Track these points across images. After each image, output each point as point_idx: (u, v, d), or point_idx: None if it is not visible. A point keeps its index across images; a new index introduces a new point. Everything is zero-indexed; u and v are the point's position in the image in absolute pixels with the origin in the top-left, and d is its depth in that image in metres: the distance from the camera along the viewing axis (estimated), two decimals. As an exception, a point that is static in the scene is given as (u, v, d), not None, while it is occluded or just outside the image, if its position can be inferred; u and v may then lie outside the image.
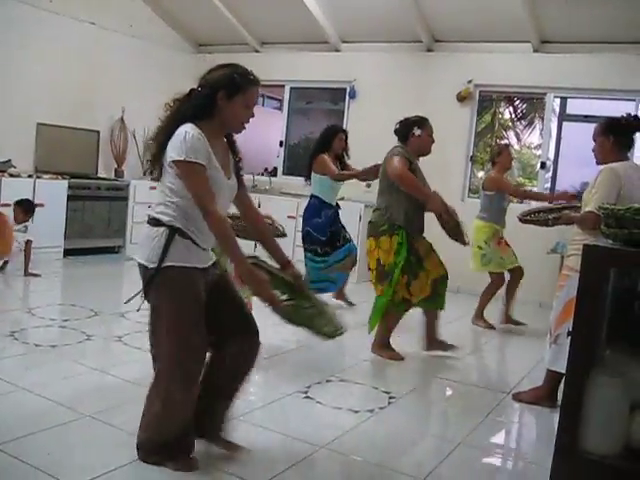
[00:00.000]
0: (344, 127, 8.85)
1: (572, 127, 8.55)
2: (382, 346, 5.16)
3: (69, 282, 6.90)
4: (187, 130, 2.71)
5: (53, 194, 7.94)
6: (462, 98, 8.61)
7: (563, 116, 8.54)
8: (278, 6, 9.04)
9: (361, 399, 4.23)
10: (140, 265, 2.84)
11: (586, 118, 8.15)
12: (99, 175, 9.19)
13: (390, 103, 8.95)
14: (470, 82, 8.57)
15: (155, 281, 2.78)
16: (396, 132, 5.21)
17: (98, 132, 9.23)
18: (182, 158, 2.67)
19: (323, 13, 9.01)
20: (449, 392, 4.72)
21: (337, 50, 9.53)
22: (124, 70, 9.46)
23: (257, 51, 10.18)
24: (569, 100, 8.46)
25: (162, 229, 2.78)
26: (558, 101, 8.57)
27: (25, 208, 7.13)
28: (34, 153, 8.38)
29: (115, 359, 4.64)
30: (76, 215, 8.25)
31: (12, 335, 4.83)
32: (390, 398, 4.24)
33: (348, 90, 9.48)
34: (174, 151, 2.70)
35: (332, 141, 6.52)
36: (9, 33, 7.95)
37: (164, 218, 2.79)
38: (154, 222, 2.82)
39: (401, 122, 5.21)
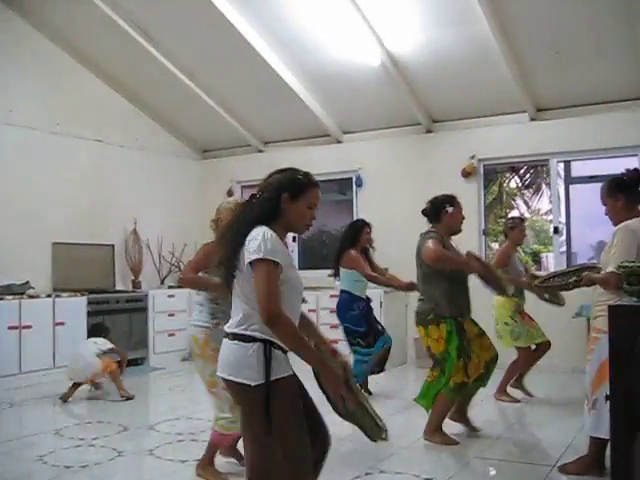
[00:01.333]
0: (354, 216, 8.99)
1: (579, 189, 8.59)
2: (436, 432, 5.03)
3: (95, 398, 6.84)
4: (264, 230, 2.69)
5: (73, 311, 7.99)
6: (467, 174, 8.71)
7: (569, 179, 8.59)
8: (277, 105, 9.30)
9: (403, 489, 4.10)
10: (239, 385, 2.68)
11: (591, 178, 8.20)
12: (117, 288, 9.27)
13: (397, 187, 9.10)
14: (473, 157, 8.70)
15: (267, 397, 2.64)
16: (425, 212, 5.17)
17: (113, 246, 9.36)
18: (261, 256, 2.62)
19: (322, 107, 9.25)
20: (492, 472, 4.56)
21: (339, 141, 9.73)
22: (133, 182, 9.69)
23: (260, 151, 10.40)
24: (573, 163, 8.53)
25: (256, 344, 2.67)
26: (562, 165, 8.65)
27: (95, 334, 7.24)
28: (51, 272, 8.49)
29: (149, 474, 4.55)
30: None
31: (41, 459, 4.75)
32: (432, 485, 4.11)
33: (354, 179, 9.61)
34: (253, 251, 2.64)
35: (359, 235, 6.61)
36: (19, 158, 8.23)
37: (255, 334, 2.69)
38: (243, 338, 2.71)
39: (431, 201, 5.19)
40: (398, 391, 7.01)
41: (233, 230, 2.81)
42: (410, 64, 8.07)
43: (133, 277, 9.55)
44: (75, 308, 8.07)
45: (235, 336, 2.73)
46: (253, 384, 2.64)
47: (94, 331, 7.35)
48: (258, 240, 2.65)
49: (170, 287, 9.90)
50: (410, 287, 6.00)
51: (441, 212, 5.07)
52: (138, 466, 4.78)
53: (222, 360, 2.79)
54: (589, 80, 7.75)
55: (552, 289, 5.21)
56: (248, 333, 2.70)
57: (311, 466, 2.74)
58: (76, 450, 5.03)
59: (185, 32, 8.21)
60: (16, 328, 7.41)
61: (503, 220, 9.08)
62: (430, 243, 4.87)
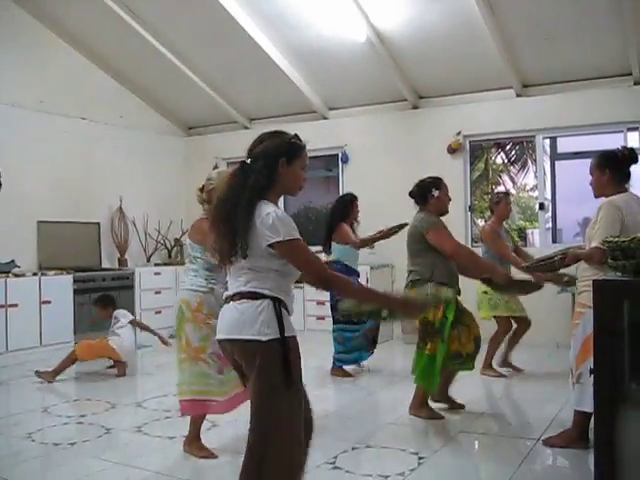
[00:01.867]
0: (340, 192, 8.99)
1: (565, 165, 8.63)
2: (422, 407, 5.07)
3: (83, 377, 6.84)
4: (270, 210, 2.68)
5: (59, 290, 7.98)
6: (453, 150, 8.72)
7: (555, 155, 8.62)
8: (263, 82, 9.25)
9: (390, 463, 4.13)
10: (247, 341, 2.66)
11: (577, 155, 8.24)
12: (103, 266, 9.24)
13: (383, 163, 9.09)
14: (459, 134, 8.70)
15: (284, 350, 2.64)
16: (412, 194, 5.18)
17: (98, 224, 9.32)
18: (282, 238, 2.63)
19: (307, 84, 9.20)
20: (478, 446, 4.62)
21: (325, 118, 9.69)
22: (118, 160, 9.63)
23: (247, 127, 10.35)
24: (559, 139, 8.55)
25: (266, 301, 2.67)
26: (548, 141, 8.67)
27: (103, 304, 7.26)
28: (37, 251, 8.46)
29: (137, 450, 4.56)
30: (84, 308, 8.25)
31: (29, 437, 4.76)
32: (419, 459, 4.15)
33: (340, 155, 9.60)
34: (271, 234, 2.63)
35: (350, 209, 6.64)
36: (2, 136, 8.14)
37: (265, 291, 2.68)
38: (253, 295, 2.69)
39: (417, 185, 5.20)
40: (384, 367, 7.06)
41: (232, 203, 2.73)
42: (396, 40, 8.03)
43: (119, 255, 9.52)
44: (61, 286, 8.05)
45: (242, 295, 2.71)
46: (265, 339, 2.62)
47: (106, 302, 7.33)
48: (271, 221, 2.64)
49: (156, 264, 9.89)
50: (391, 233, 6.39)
51: (427, 196, 5.09)
52: (126, 443, 4.78)
53: (225, 322, 2.76)
54: (575, 56, 7.75)
55: (539, 270, 5.25)
56: (257, 290, 2.68)
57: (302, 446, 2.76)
58: (64, 428, 5.04)
59: (170, 9, 8.12)
60: (2, 307, 7.38)
61: (489, 196, 9.08)
62: (444, 237, 4.94)
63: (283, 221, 2.65)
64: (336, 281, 2.76)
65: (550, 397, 5.60)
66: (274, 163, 2.76)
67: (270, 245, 2.63)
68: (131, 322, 7.08)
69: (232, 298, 2.75)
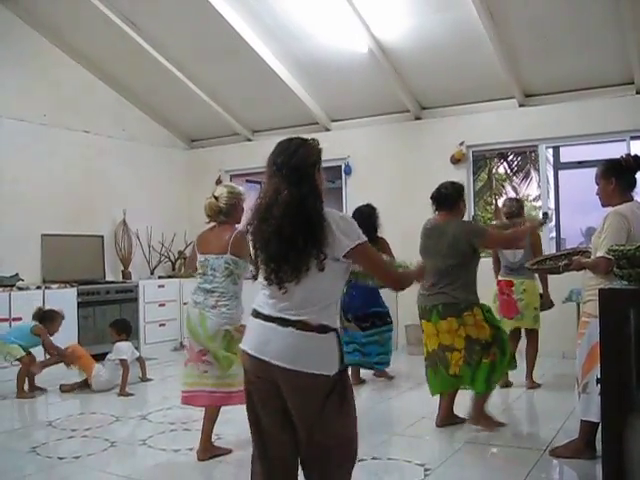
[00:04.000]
0: (344, 204, 9.00)
1: (568, 174, 8.62)
2: (486, 416, 5.03)
3: (87, 391, 6.82)
4: (341, 214, 2.66)
5: (63, 303, 7.93)
6: (456, 160, 8.72)
7: (558, 165, 8.61)
8: (266, 94, 9.26)
9: (396, 476, 4.12)
10: (317, 376, 2.55)
11: (580, 164, 8.24)
12: (107, 279, 9.24)
13: (386, 174, 9.10)
14: (462, 144, 8.71)
15: (340, 386, 2.63)
16: (446, 197, 5.00)
17: (102, 237, 9.33)
18: (362, 240, 2.59)
19: (310, 96, 9.22)
20: (484, 457, 4.59)
21: (327, 129, 9.70)
22: (121, 173, 9.66)
23: (249, 140, 10.36)
24: (561, 148, 8.54)
25: (330, 334, 2.60)
26: (551, 151, 8.66)
27: (118, 328, 7.14)
28: (40, 264, 8.45)
29: (142, 463, 4.55)
30: (88, 321, 8.26)
31: (34, 451, 4.75)
32: (425, 470, 4.12)
33: (343, 167, 9.60)
34: (351, 237, 2.57)
35: (376, 221, 6.67)
36: (6, 149, 8.17)
37: (330, 324, 2.60)
38: (322, 329, 2.58)
39: (447, 188, 5.05)
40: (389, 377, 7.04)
41: (294, 221, 2.55)
42: (398, 51, 8.05)
43: (123, 268, 9.52)
44: (65, 299, 8.03)
45: (306, 326, 2.56)
46: (332, 374, 2.58)
47: (122, 328, 7.18)
48: (347, 225, 2.60)
49: (160, 277, 9.89)
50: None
51: (458, 201, 5.01)
52: (131, 456, 4.77)
53: (288, 350, 2.56)
54: (577, 66, 7.75)
55: (543, 271, 5.25)
56: (325, 323, 2.59)
57: None
58: (69, 441, 5.03)
59: (172, 21, 8.15)
60: (6, 320, 7.37)
61: (492, 207, 9.08)
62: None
63: (354, 222, 2.63)
64: (406, 281, 2.76)
65: (556, 407, 5.57)
66: (315, 171, 2.72)
67: (353, 249, 2.56)
68: (122, 361, 6.80)
69: (288, 323, 2.57)
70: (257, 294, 2.73)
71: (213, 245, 4.43)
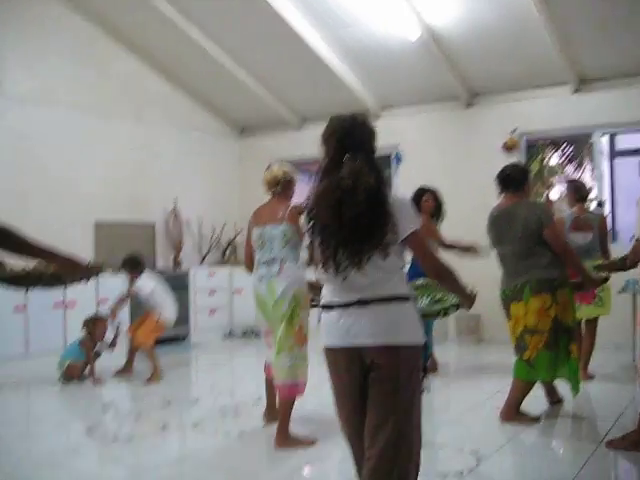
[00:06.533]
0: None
1: (624, 163, 8.41)
2: (518, 411, 4.82)
3: (139, 373, 6.91)
4: (401, 196, 2.68)
5: (115, 290, 8.06)
6: (509, 148, 8.56)
7: (613, 153, 8.40)
8: (315, 82, 9.23)
9: (447, 462, 4.07)
10: (409, 347, 2.52)
11: (637, 152, 8.03)
12: (158, 266, 9.35)
13: (437, 163, 9.00)
14: (514, 131, 8.55)
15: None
16: (510, 179, 4.80)
17: (154, 225, 9.44)
18: (418, 226, 2.57)
19: (360, 83, 9.17)
20: (538, 447, 4.51)
21: (377, 117, 9.63)
22: (172, 161, 9.76)
23: (299, 128, 10.35)
24: (617, 136, 8.33)
25: (410, 303, 2.56)
26: (606, 138, 8.45)
27: (130, 267, 6.94)
28: (94, 251, 8.58)
29: (192, 447, 4.59)
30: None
31: (88, 431, 4.84)
32: (478, 459, 4.07)
33: (394, 155, 9.52)
34: (413, 222, 2.54)
35: (418, 204, 6.50)
36: (60, 139, 8.32)
37: (408, 293, 2.57)
38: (404, 298, 2.54)
39: (517, 167, 4.95)
40: (440, 367, 6.96)
41: (369, 200, 2.47)
42: (449, 37, 7.93)
43: (174, 255, 9.63)
44: (117, 286, 8.11)
45: (391, 298, 2.51)
46: (420, 344, 2.56)
47: (132, 265, 6.94)
48: (408, 209, 2.57)
49: (211, 265, 9.97)
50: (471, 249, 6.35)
51: (524, 183, 4.80)
52: (182, 439, 4.83)
53: (377, 326, 2.49)
54: (635, 50, 7.54)
55: (609, 270, 5.17)
56: (404, 292, 2.55)
57: None
58: (122, 423, 5.11)
59: (222, 10, 8.17)
60: (61, 306, 7.52)
61: (543, 197, 8.91)
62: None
63: (413, 207, 2.62)
64: (445, 269, 2.64)
65: (612, 399, 5.44)
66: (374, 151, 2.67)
67: (412, 234, 2.52)
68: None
69: (372, 301, 2.50)
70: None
71: (270, 216, 4.51)
